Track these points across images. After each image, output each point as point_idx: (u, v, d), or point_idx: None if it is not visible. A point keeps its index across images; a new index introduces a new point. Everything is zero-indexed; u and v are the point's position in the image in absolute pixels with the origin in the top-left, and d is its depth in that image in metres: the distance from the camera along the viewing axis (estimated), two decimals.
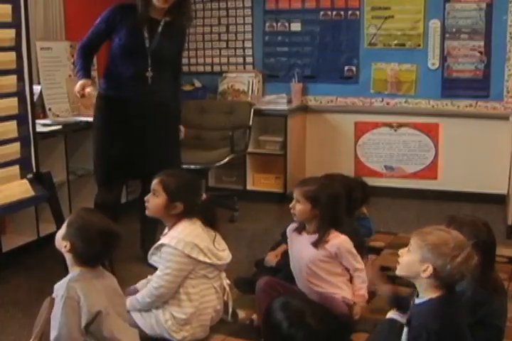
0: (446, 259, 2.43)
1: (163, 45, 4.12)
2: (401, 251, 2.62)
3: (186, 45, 6.57)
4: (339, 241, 3.40)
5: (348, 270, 3.46)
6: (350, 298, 3.40)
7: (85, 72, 4.11)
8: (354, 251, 3.44)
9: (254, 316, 3.47)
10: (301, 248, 3.49)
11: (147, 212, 3.46)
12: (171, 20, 4.13)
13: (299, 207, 3.44)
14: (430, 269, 2.46)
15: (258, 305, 3.40)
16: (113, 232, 2.77)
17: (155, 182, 3.41)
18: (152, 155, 4.20)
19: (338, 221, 3.44)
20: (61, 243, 2.77)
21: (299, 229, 3.53)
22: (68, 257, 2.78)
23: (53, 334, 2.65)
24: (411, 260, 2.53)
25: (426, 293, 2.54)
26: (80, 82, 4.03)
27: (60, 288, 2.69)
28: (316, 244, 3.40)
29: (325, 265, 3.42)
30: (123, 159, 4.17)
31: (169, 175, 3.44)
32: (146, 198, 3.44)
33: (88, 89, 4.00)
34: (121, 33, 4.06)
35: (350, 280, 3.48)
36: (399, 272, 2.63)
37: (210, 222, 3.42)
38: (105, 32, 4.11)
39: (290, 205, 3.49)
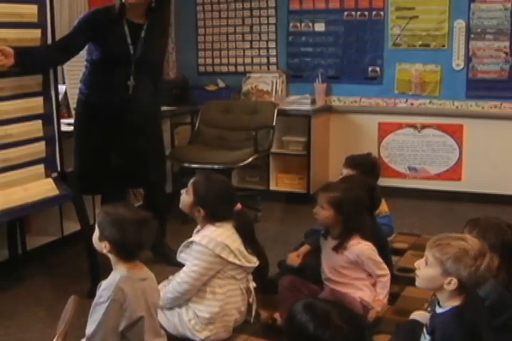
0: (471, 270, 2.40)
1: (147, 51, 4.07)
2: (417, 263, 2.58)
3: (203, 45, 6.68)
4: (359, 248, 3.41)
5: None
6: (369, 300, 3.39)
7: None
8: (377, 257, 3.44)
9: (277, 315, 3.46)
10: (326, 253, 3.53)
11: (179, 205, 3.50)
12: (152, 23, 4.07)
13: (322, 212, 3.45)
14: (455, 281, 2.43)
15: (281, 304, 3.40)
16: (144, 218, 2.76)
17: (191, 181, 3.46)
18: (135, 166, 4.23)
19: (361, 226, 3.45)
20: (99, 245, 2.78)
21: (325, 234, 3.56)
22: (111, 257, 2.78)
23: (89, 330, 2.66)
24: (431, 274, 2.50)
25: (448, 302, 2.52)
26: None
27: (107, 288, 2.68)
28: (336, 249, 3.44)
29: (347, 271, 3.44)
30: (105, 169, 4.19)
31: (205, 179, 3.47)
32: (181, 191, 3.49)
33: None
34: (103, 39, 3.99)
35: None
36: (419, 285, 2.60)
37: (247, 235, 3.44)
38: (86, 33, 3.96)
39: (314, 210, 3.49)
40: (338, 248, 3.43)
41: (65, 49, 3.91)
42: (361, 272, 3.44)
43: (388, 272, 3.46)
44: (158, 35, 4.15)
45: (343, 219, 3.42)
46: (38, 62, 3.74)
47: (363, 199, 3.53)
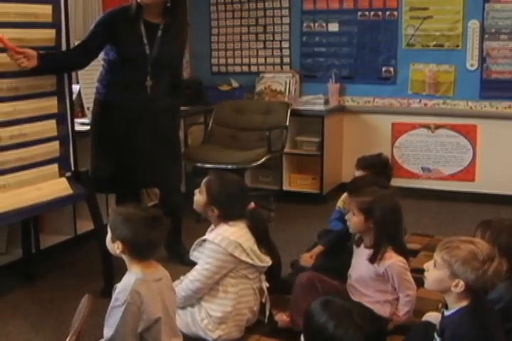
0: (478, 273, 2.41)
1: (163, 51, 4.06)
2: (426, 265, 2.60)
3: (216, 45, 6.70)
4: (390, 263, 3.28)
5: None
6: (387, 315, 3.33)
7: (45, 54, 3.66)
8: (406, 276, 3.31)
9: (279, 316, 3.47)
10: (357, 261, 3.45)
11: (193, 205, 3.51)
12: (169, 23, 4.07)
13: (353, 219, 3.37)
14: (462, 284, 2.44)
15: (294, 303, 3.40)
16: (154, 215, 2.75)
17: (204, 181, 3.47)
18: (152, 166, 4.22)
19: (393, 237, 3.32)
20: (112, 247, 2.77)
21: (358, 242, 3.46)
22: (125, 258, 2.77)
23: (108, 333, 2.66)
24: (439, 276, 2.51)
25: (455, 304, 2.53)
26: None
27: (123, 291, 2.67)
28: (371, 260, 3.31)
29: (374, 282, 3.35)
30: (121, 168, 4.20)
31: (217, 178, 3.47)
32: (195, 191, 3.50)
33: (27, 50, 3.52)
34: (119, 40, 4.00)
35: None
36: (427, 287, 2.62)
37: (260, 234, 3.43)
38: (103, 35, 3.99)
39: (346, 217, 3.45)
40: (374, 259, 3.29)
41: (85, 54, 3.98)
42: (388, 285, 3.33)
43: (413, 292, 3.33)
44: (175, 35, 4.14)
45: (374, 225, 3.29)
46: (58, 66, 3.80)
47: (398, 207, 3.39)
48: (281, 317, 3.46)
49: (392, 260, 3.29)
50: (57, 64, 3.78)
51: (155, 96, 4.13)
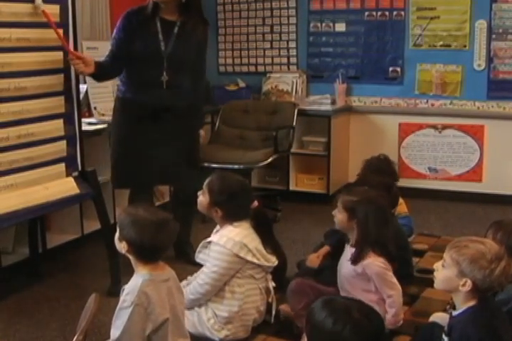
0: (485, 272, 2.41)
1: (179, 47, 4.08)
2: (436, 265, 2.61)
3: (223, 45, 6.72)
4: (367, 262, 3.24)
5: None
6: None
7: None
8: (387, 276, 3.24)
9: (282, 307, 3.49)
10: (343, 259, 3.43)
11: (197, 207, 3.52)
12: (186, 20, 4.09)
13: (338, 215, 3.38)
14: (469, 283, 2.45)
15: (290, 305, 3.42)
16: (163, 220, 2.74)
17: (206, 182, 3.47)
18: (170, 163, 4.22)
19: (375, 239, 3.26)
20: (119, 245, 2.77)
21: (348, 240, 3.43)
22: (131, 258, 2.78)
23: (115, 335, 2.65)
24: (447, 275, 2.52)
25: (463, 304, 2.53)
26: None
27: (130, 292, 2.66)
28: (352, 261, 3.28)
29: (356, 280, 3.31)
30: (139, 164, 4.19)
31: (219, 179, 3.47)
32: (198, 193, 3.50)
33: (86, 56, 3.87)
34: (136, 37, 4.03)
35: None
36: (437, 286, 2.62)
37: (265, 233, 3.43)
38: (126, 41, 4.05)
39: (333, 212, 3.45)
40: (355, 259, 3.27)
41: (118, 61, 4.09)
42: (370, 284, 3.28)
43: (395, 292, 3.25)
44: (191, 32, 4.13)
45: (357, 227, 3.28)
46: (106, 74, 4.16)
47: (383, 210, 3.35)
48: (286, 308, 3.47)
49: (370, 259, 3.24)
50: (106, 72, 4.08)
51: (171, 93, 4.13)
